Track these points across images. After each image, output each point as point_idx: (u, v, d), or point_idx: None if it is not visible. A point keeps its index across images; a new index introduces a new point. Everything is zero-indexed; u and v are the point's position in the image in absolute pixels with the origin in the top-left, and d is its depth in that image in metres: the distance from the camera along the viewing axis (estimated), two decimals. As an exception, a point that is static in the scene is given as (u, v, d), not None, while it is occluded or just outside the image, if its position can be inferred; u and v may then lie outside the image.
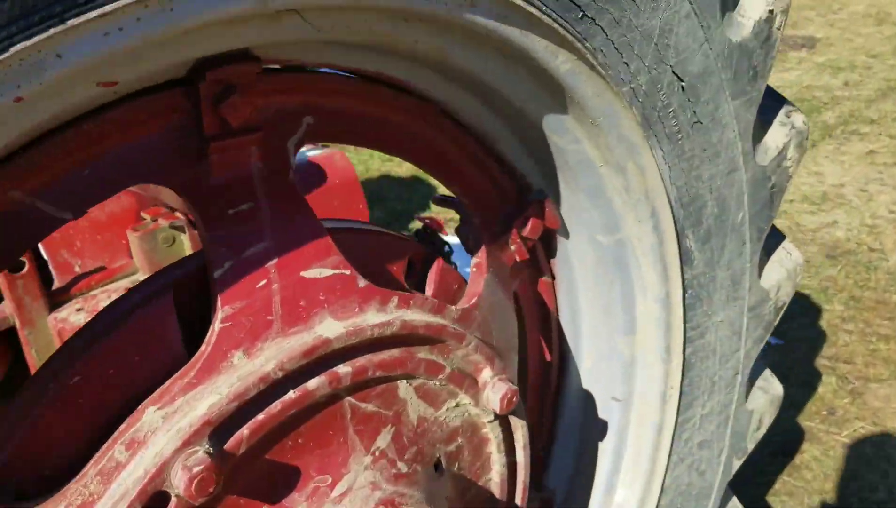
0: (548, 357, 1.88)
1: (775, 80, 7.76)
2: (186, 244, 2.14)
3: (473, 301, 1.44)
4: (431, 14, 1.14)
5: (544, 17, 1.23)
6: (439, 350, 1.29)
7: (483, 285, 1.49)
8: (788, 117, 1.80)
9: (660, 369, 1.79)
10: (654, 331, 1.76)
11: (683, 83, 1.48)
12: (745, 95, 1.59)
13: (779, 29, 1.59)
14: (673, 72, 1.45)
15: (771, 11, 1.55)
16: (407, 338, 1.23)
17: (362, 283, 1.21)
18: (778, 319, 1.99)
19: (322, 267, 1.18)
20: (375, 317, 1.20)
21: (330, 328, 1.14)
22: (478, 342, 1.33)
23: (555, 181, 1.64)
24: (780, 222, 5.02)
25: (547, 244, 1.79)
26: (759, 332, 1.93)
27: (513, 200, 1.65)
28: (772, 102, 1.82)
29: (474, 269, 1.54)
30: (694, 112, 1.53)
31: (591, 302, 1.82)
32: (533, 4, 1.21)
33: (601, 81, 1.38)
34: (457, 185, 1.54)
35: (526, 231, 1.63)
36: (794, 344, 3.86)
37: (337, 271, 1.19)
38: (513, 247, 1.64)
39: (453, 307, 1.37)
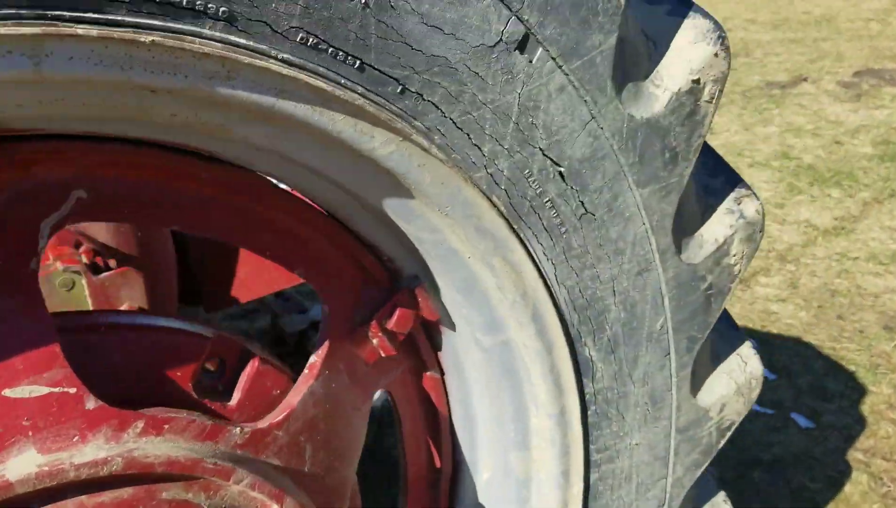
0: (437, 463, 1.62)
1: (862, 117, 7.12)
2: (87, 290, 1.99)
3: (280, 417, 1.21)
4: (173, 87, 0.92)
5: (342, 93, 0.99)
6: (200, 487, 1.06)
7: (305, 394, 1.25)
8: (738, 204, 1.48)
9: (556, 495, 1.50)
10: (549, 450, 1.48)
11: (561, 169, 1.20)
12: (658, 182, 1.29)
13: (710, 101, 1.29)
14: (545, 155, 1.18)
15: (696, 81, 1.25)
16: (144, 475, 1.01)
17: (92, 404, 1.00)
18: (724, 440, 1.66)
19: (35, 383, 0.97)
20: (98, 449, 0.98)
21: (24, 464, 0.94)
22: (256, 477, 1.10)
23: (429, 268, 1.39)
24: (838, 283, 4.51)
25: (431, 335, 1.53)
26: (694, 457, 1.60)
27: (380, 285, 1.41)
28: (720, 184, 1.51)
29: (306, 371, 1.30)
30: (581, 202, 1.25)
31: (484, 407, 1.55)
32: (323, 77, 0.97)
33: (442, 165, 1.12)
34: (300, 267, 1.31)
35: (391, 323, 1.39)
36: (827, 430, 3.40)
37: (56, 390, 0.98)
38: (375, 341, 1.39)
39: (239, 429, 1.14)
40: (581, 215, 1.26)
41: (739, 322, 4.33)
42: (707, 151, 1.56)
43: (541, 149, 1.17)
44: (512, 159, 1.16)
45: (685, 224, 1.41)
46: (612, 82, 1.17)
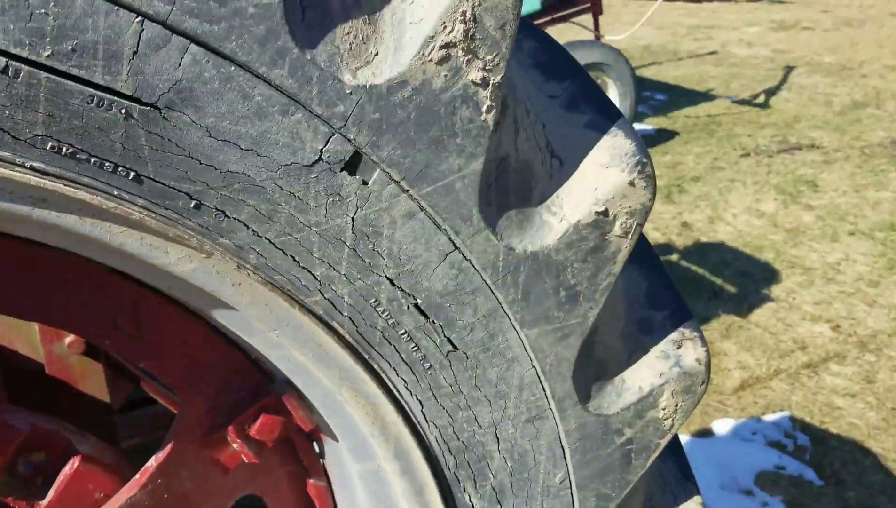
0: (324, 575, 1.47)
1: None
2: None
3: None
4: None
5: (115, 205, 0.86)
6: None
7: (122, 506, 1.13)
8: (677, 348, 1.25)
9: None
10: (425, 596, 1.29)
11: (417, 301, 1.02)
12: (550, 322, 1.09)
13: (624, 236, 1.07)
14: (394, 285, 1.01)
15: (603, 213, 1.04)
16: None
17: None
18: None
19: None
20: None
21: None
22: None
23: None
24: (882, 378, 4.01)
25: (316, 441, 1.38)
26: None
27: (248, 386, 1.27)
28: (661, 319, 1.28)
29: (137, 476, 1.18)
30: (447, 339, 1.07)
31: (370, 527, 1.38)
32: (89, 188, 0.84)
33: (265, 287, 0.97)
34: (147, 359, 1.20)
35: (254, 429, 1.25)
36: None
37: None
38: (235, 445, 1.26)
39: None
40: (448, 352, 1.08)
41: (797, 413, 3.92)
42: (656, 275, 1.34)
43: (388, 278, 1.00)
44: (353, 286, 1.00)
45: (599, 366, 1.19)
46: (479, 210, 0.98)
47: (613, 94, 7.28)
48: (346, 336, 1.04)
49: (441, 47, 0.89)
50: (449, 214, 0.97)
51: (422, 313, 1.03)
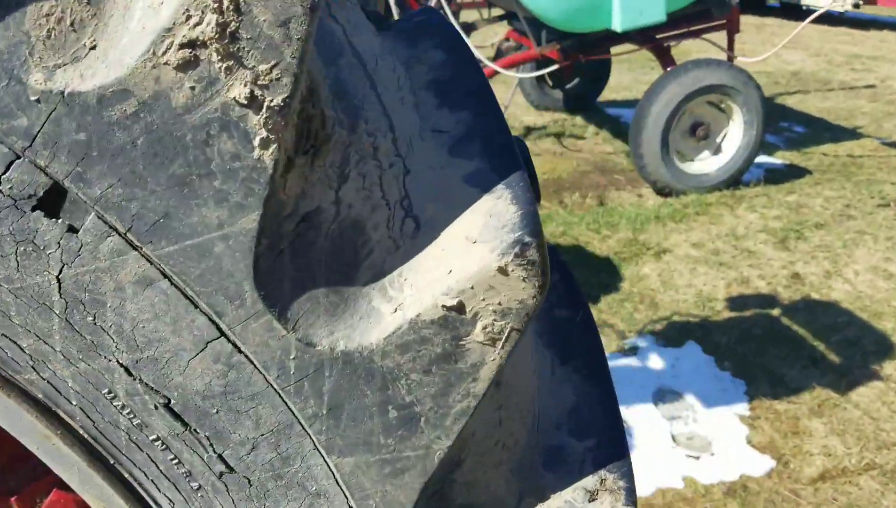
0: None
1: None
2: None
3: None
4: None
5: None
6: None
7: None
8: (589, 500, 0.89)
9: None
10: None
11: (168, 401, 0.73)
12: (375, 452, 0.76)
13: (490, 343, 0.73)
14: (130, 375, 0.71)
15: (456, 308, 0.71)
16: None
17: None
18: None
19: None
20: None
21: None
22: None
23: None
24: None
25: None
26: None
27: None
28: (582, 451, 0.93)
29: None
30: (219, 456, 0.76)
31: None
32: None
33: (-48, 352, 0.71)
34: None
35: (44, 505, 1.00)
36: None
37: None
38: (30, 519, 1.02)
39: None
40: (222, 472, 0.77)
41: (883, 522, 3.32)
42: (593, 386, 0.98)
43: (122, 365, 0.71)
44: (76, 369, 0.71)
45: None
46: (255, 285, 0.67)
47: (738, 121, 6.63)
48: (80, 431, 0.75)
49: (182, 46, 0.59)
50: (206, 286, 0.67)
51: (176, 417, 0.74)
